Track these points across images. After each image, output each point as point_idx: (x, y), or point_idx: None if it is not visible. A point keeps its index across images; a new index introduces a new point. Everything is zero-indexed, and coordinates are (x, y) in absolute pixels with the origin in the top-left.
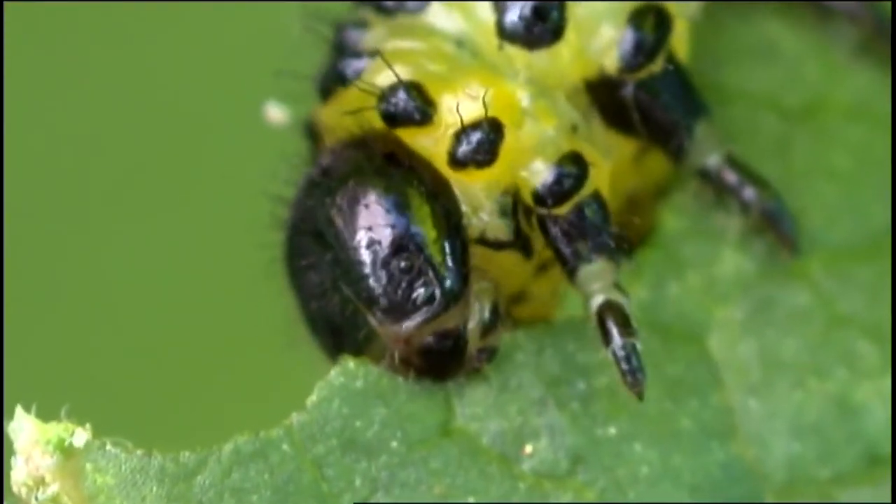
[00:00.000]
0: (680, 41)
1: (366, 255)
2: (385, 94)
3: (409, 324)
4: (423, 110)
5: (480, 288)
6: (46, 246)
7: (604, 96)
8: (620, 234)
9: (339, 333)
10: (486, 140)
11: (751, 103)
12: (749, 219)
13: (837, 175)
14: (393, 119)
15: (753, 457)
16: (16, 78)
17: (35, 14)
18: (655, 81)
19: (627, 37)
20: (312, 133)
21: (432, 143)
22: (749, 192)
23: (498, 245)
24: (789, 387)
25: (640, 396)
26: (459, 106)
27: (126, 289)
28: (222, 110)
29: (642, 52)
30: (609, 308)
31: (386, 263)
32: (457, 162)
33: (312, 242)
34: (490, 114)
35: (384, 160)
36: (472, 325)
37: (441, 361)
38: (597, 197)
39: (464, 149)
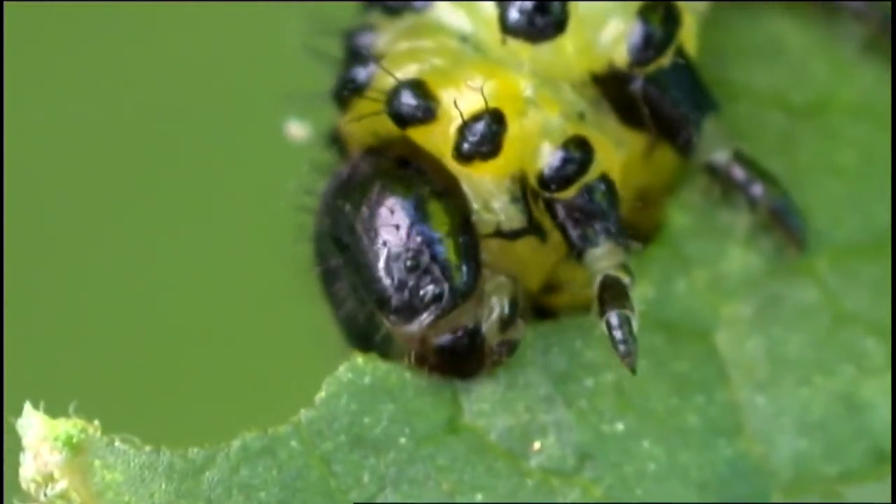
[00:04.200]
0: (689, 36)
1: (375, 258)
2: (389, 97)
3: (420, 323)
4: (425, 107)
5: (498, 283)
6: (53, 242)
7: (613, 90)
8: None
9: (363, 336)
10: (489, 132)
11: (757, 101)
12: (756, 216)
13: (843, 173)
14: (401, 120)
15: (760, 454)
16: (16, 78)
17: (35, 14)
18: (664, 76)
19: (636, 30)
20: (338, 144)
21: (441, 140)
22: (757, 189)
23: (514, 234)
24: (796, 384)
25: (632, 368)
26: (461, 99)
27: (135, 285)
28: (231, 115)
29: (651, 46)
30: (609, 283)
31: (394, 264)
32: (463, 156)
33: (334, 251)
34: (491, 105)
35: (394, 165)
36: (490, 321)
37: (458, 359)
38: (604, 180)
39: (468, 143)
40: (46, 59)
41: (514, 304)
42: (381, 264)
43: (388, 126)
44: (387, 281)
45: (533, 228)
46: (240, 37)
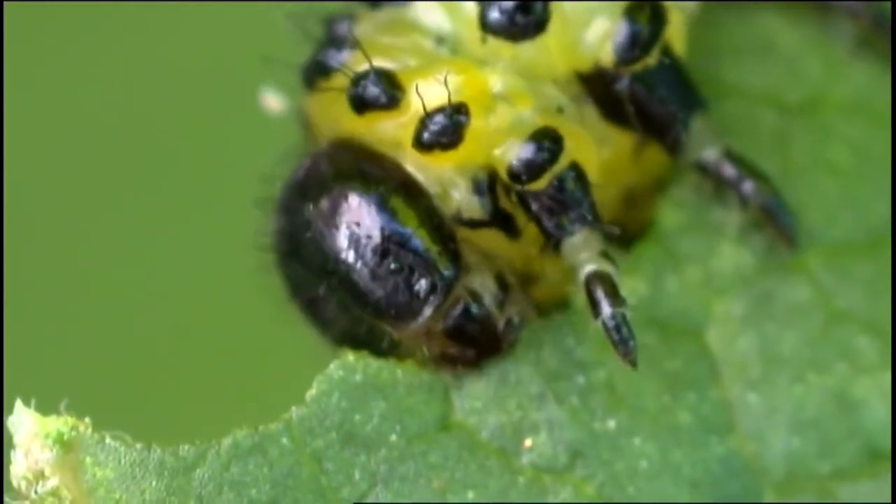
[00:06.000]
0: (676, 35)
1: (358, 271)
2: (357, 79)
3: (422, 318)
4: (390, 94)
5: (475, 262)
6: (45, 241)
7: (600, 89)
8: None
9: (367, 346)
10: (450, 123)
11: (750, 99)
12: (748, 213)
13: (836, 170)
14: (361, 103)
15: (753, 451)
16: (16, 78)
17: (35, 14)
18: (651, 74)
19: (622, 29)
20: (305, 123)
21: (399, 128)
22: (748, 186)
23: (473, 224)
24: (788, 381)
25: (632, 364)
26: (425, 92)
27: (126, 283)
28: (224, 109)
29: (637, 45)
30: (596, 278)
31: (378, 271)
32: (422, 145)
33: (308, 274)
34: (456, 99)
35: (343, 168)
36: (488, 297)
37: (470, 335)
38: (574, 168)
39: (428, 132)
40: (46, 59)
41: (501, 280)
42: (368, 276)
43: (344, 119)
44: (378, 289)
45: (497, 222)
46: (236, 37)
